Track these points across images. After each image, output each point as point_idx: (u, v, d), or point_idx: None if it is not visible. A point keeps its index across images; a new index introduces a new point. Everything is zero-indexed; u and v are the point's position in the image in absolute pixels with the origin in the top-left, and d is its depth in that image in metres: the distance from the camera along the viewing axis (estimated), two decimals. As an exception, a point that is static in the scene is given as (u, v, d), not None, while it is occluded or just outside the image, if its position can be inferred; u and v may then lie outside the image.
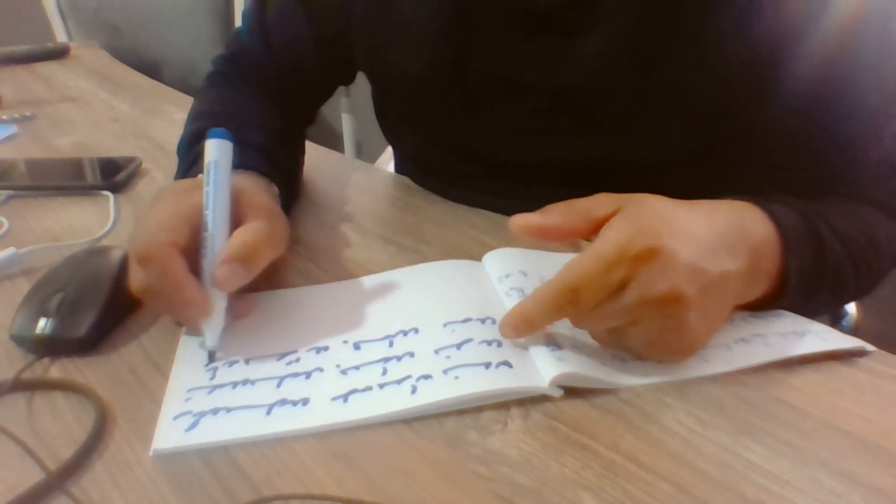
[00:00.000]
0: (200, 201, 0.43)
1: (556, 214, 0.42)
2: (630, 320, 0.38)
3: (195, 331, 0.43)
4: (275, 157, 0.59)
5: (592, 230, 0.41)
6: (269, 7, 0.68)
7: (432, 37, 0.58)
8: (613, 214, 0.40)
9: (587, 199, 0.42)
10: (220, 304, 0.42)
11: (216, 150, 0.43)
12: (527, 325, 0.41)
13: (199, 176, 0.45)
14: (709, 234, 0.40)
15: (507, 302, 0.45)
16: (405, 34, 0.60)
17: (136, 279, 0.42)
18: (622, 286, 0.37)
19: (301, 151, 0.72)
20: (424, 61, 0.59)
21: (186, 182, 0.48)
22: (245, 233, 0.43)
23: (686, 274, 0.37)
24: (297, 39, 0.67)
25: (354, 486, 0.33)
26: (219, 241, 0.42)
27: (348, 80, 0.74)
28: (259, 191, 0.49)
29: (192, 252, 0.42)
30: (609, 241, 0.38)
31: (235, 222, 0.44)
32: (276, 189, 0.54)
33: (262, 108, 0.67)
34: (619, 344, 0.41)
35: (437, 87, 0.61)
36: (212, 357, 0.42)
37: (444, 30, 0.58)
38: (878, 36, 0.49)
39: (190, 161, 0.57)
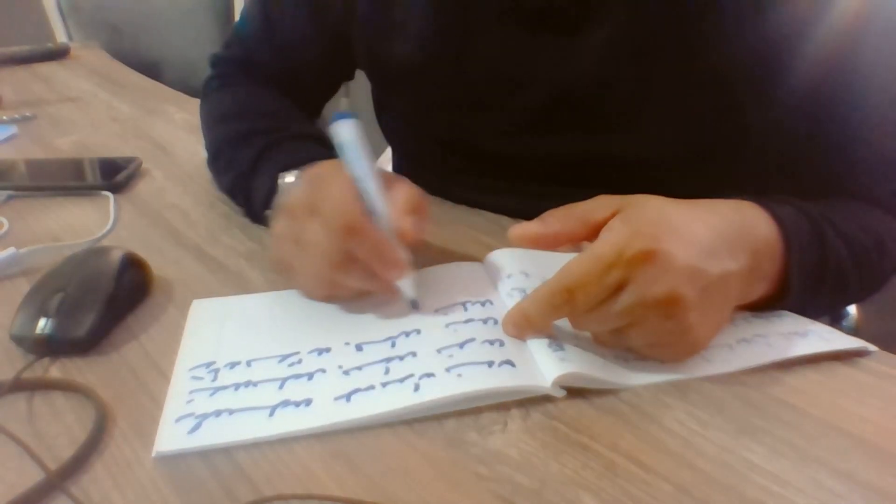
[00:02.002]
0: (349, 176, 0.44)
1: (554, 221, 0.42)
2: (629, 322, 0.38)
3: (384, 293, 0.45)
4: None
5: (592, 234, 0.41)
6: (273, 7, 0.68)
7: (431, 34, 0.58)
8: (612, 217, 0.40)
9: (586, 202, 0.42)
10: (408, 258, 0.44)
11: (350, 129, 0.45)
12: (527, 324, 0.41)
13: (330, 161, 0.47)
14: (708, 235, 0.40)
15: (509, 302, 0.45)
16: (405, 31, 0.60)
17: (334, 256, 0.42)
18: (619, 288, 0.37)
19: None
20: (424, 58, 0.60)
21: (327, 164, 0.48)
22: (403, 190, 0.45)
23: (684, 276, 0.37)
24: (300, 38, 0.68)
25: (354, 486, 0.33)
26: (381, 205, 0.44)
27: (350, 75, 0.74)
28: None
29: None
30: (606, 242, 0.38)
31: None
32: None
33: (287, 102, 0.68)
34: (621, 345, 0.41)
35: (436, 83, 0.61)
36: (416, 305, 0.45)
37: (443, 27, 0.58)
38: (880, 34, 0.49)
39: (254, 158, 0.57)
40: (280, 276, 0.49)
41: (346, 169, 0.45)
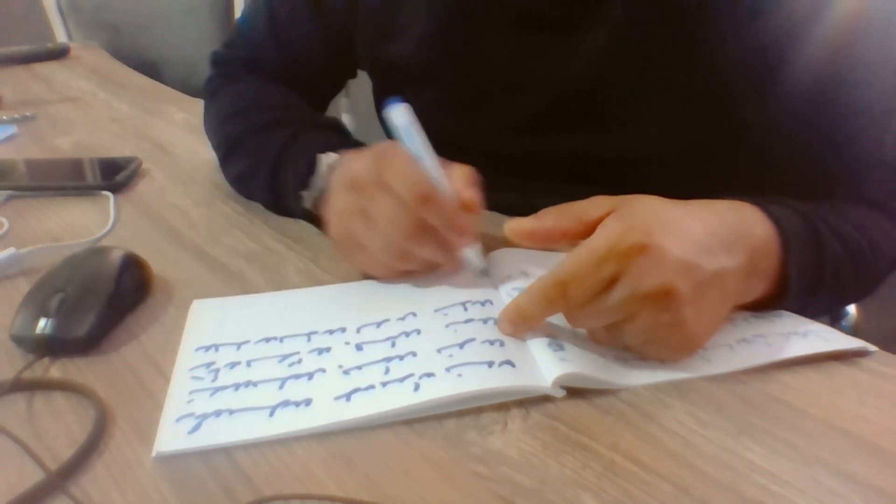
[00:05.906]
0: (406, 155, 0.46)
1: (550, 218, 0.42)
2: (624, 317, 0.39)
3: (450, 266, 0.48)
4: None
5: (587, 232, 0.41)
6: (278, 5, 0.69)
7: (433, 35, 0.59)
8: (607, 215, 0.40)
9: (582, 201, 0.42)
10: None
11: (404, 113, 0.48)
12: (521, 319, 0.41)
13: (387, 141, 0.49)
14: (703, 232, 0.40)
15: (508, 302, 0.45)
16: (407, 32, 0.60)
17: (408, 226, 0.44)
18: (613, 282, 0.38)
19: None
20: (425, 59, 0.60)
21: (386, 144, 0.49)
22: (459, 167, 0.47)
23: (678, 269, 0.37)
24: (306, 37, 0.68)
25: (354, 486, 0.33)
26: (442, 180, 0.46)
27: (353, 73, 0.75)
28: None
29: None
30: (600, 237, 0.38)
31: None
32: None
33: (297, 98, 0.68)
34: (617, 342, 0.41)
35: (437, 84, 0.61)
36: (486, 273, 0.48)
37: (444, 28, 0.58)
38: (878, 36, 0.49)
39: (282, 144, 0.58)
40: (341, 254, 0.50)
41: (409, 146, 0.47)
